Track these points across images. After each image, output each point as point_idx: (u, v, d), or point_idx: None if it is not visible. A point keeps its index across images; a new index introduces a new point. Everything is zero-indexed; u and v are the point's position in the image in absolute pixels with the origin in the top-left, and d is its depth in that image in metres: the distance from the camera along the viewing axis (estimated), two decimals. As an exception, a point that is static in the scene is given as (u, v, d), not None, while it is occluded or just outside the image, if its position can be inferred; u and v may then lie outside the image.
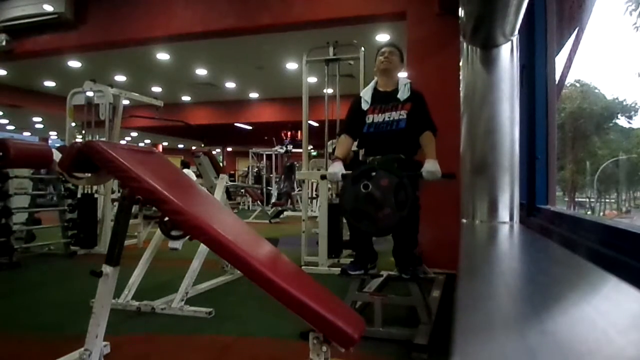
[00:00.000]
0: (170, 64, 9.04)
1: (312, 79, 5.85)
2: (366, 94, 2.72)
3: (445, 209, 2.96)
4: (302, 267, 4.22)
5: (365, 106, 2.68)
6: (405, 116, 2.58)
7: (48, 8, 5.79)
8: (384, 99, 2.67)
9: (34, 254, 5.03)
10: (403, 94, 2.63)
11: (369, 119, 2.65)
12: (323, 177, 2.78)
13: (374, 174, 2.31)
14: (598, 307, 0.68)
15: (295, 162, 11.54)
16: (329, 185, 4.67)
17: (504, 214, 1.95)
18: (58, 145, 9.21)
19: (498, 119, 1.97)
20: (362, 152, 3.06)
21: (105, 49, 6.71)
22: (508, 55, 1.96)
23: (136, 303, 2.97)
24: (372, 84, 2.76)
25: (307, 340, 1.47)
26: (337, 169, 2.53)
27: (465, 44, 2.07)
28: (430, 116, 2.62)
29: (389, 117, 2.61)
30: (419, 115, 2.59)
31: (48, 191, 5.79)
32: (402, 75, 2.94)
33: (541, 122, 2.13)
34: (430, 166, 2.42)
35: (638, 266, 0.89)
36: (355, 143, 2.81)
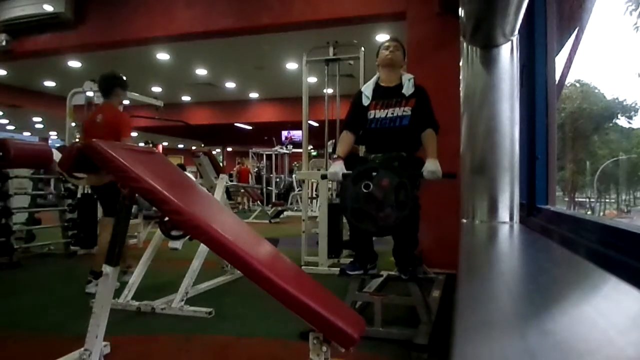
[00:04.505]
0: (170, 64, 9.05)
1: (312, 79, 5.85)
2: (367, 89, 2.67)
3: (445, 209, 2.96)
4: (302, 267, 4.22)
5: (366, 102, 2.63)
6: (409, 113, 2.54)
7: (48, 8, 5.79)
8: (387, 94, 2.61)
9: (34, 254, 5.02)
10: (408, 89, 2.59)
11: (371, 114, 2.60)
12: (324, 177, 2.74)
13: (374, 173, 2.30)
14: (598, 307, 0.68)
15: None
16: (329, 185, 4.67)
17: (504, 214, 1.95)
18: (58, 145, 9.22)
19: (498, 119, 1.97)
20: (362, 148, 3.03)
21: (105, 49, 6.70)
22: (508, 55, 1.96)
23: (136, 303, 2.97)
24: (373, 79, 2.71)
25: (307, 340, 1.46)
26: (337, 168, 2.50)
27: (465, 44, 2.07)
28: (433, 112, 2.59)
29: (392, 113, 2.56)
30: (422, 112, 2.55)
31: (48, 191, 5.78)
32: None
33: (541, 122, 2.12)
34: (432, 166, 2.40)
35: (638, 266, 0.89)
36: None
